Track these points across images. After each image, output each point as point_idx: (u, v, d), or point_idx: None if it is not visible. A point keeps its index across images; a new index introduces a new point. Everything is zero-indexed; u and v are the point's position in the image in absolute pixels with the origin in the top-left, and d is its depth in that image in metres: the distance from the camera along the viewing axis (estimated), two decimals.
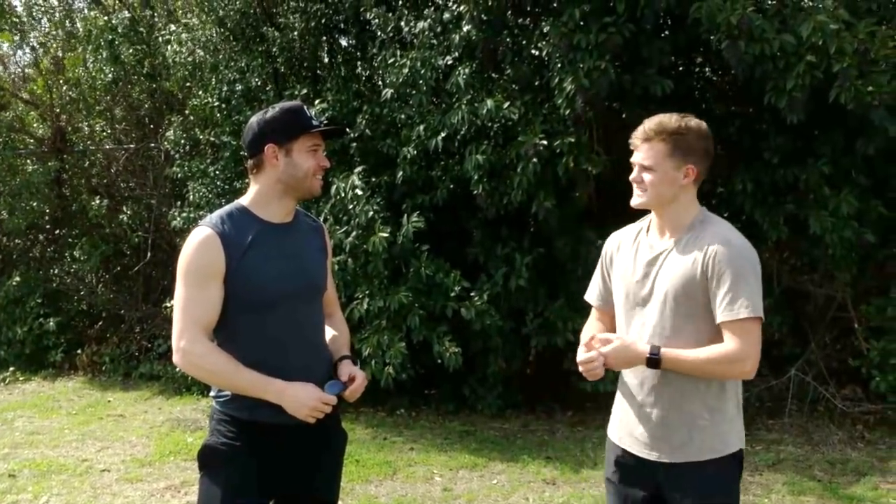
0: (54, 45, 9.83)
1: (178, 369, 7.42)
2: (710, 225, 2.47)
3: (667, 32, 6.22)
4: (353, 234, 6.08)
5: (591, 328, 2.78)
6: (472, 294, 6.11)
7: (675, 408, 2.47)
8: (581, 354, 2.52)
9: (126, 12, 8.77)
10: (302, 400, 2.41)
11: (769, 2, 5.36)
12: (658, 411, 2.49)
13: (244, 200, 2.57)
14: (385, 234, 5.91)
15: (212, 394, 2.59)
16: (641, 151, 2.48)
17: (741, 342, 2.35)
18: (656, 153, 2.44)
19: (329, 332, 2.73)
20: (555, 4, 5.99)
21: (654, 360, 2.41)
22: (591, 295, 2.81)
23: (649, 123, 2.48)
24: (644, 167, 2.47)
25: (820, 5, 5.22)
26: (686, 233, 2.48)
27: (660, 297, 2.46)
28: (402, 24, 6.60)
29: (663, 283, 2.46)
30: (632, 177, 2.52)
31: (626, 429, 2.60)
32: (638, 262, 2.56)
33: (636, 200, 2.53)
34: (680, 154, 2.44)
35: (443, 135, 6.09)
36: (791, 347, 6.49)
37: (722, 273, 2.36)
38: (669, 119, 2.46)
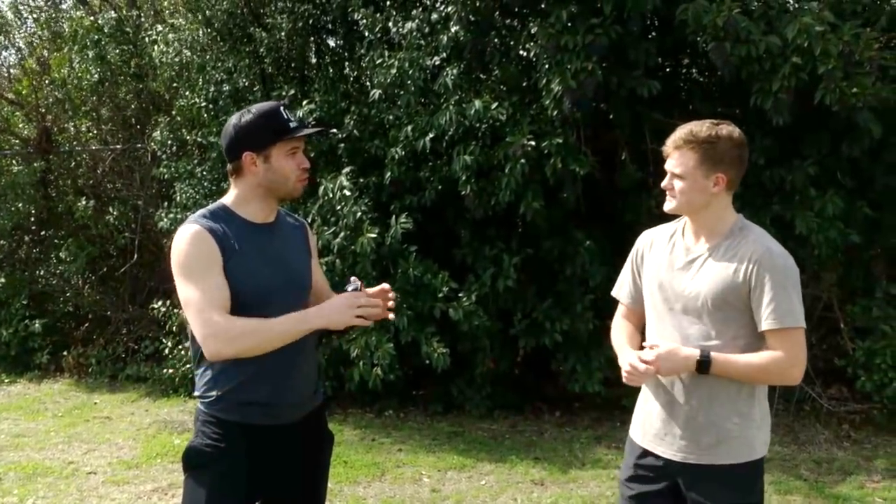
0: (40, 46, 9.77)
1: (165, 372, 7.46)
2: (749, 233, 2.49)
3: (653, 34, 6.25)
4: (341, 234, 6.06)
5: (620, 327, 2.79)
6: (460, 295, 6.11)
7: (705, 410, 2.48)
8: (631, 360, 2.49)
9: (112, 12, 8.72)
10: (340, 308, 2.35)
11: (755, 3, 5.38)
12: (686, 412, 2.50)
13: (226, 200, 2.55)
14: (373, 235, 5.90)
15: (196, 394, 2.58)
16: (673, 159, 2.49)
17: (789, 349, 2.40)
18: (686, 161, 2.45)
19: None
20: (542, 6, 6.00)
21: (704, 364, 2.41)
22: (621, 292, 2.81)
23: (680, 132, 2.48)
24: (675, 175, 2.48)
25: (805, 7, 5.24)
26: (724, 239, 2.49)
27: (697, 302, 2.47)
28: (390, 24, 6.59)
29: (700, 288, 2.47)
30: (663, 184, 2.54)
31: (650, 429, 2.61)
32: (672, 265, 2.57)
33: (668, 206, 2.55)
34: (710, 162, 2.44)
35: (431, 135, 6.08)
36: None
37: (765, 283, 2.38)
38: (700, 127, 2.46)
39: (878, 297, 5.92)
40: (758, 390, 2.52)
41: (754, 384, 2.49)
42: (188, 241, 2.40)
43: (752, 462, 2.49)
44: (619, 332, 2.78)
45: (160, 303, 7.66)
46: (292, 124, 2.51)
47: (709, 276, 2.46)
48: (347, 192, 6.06)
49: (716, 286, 2.44)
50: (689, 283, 2.50)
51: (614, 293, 2.85)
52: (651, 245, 2.69)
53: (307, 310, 2.38)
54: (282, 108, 2.53)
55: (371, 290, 2.55)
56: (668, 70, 6.64)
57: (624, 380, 2.52)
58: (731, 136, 2.46)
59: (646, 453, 2.62)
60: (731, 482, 2.48)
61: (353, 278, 2.51)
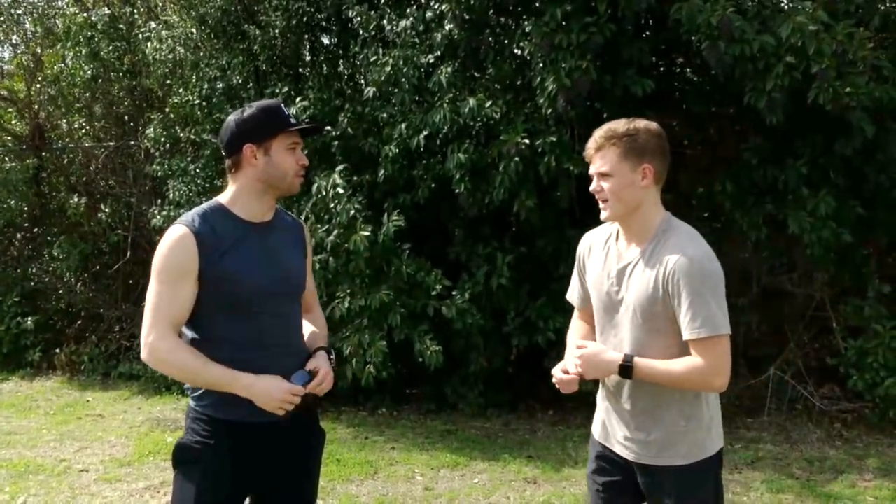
0: (34, 42, 9.73)
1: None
2: (672, 235, 2.44)
3: (648, 33, 6.25)
4: (335, 232, 6.06)
5: (576, 328, 2.80)
6: (453, 293, 6.11)
7: (650, 413, 2.48)
8: (555, 372, 2.57)
9: (106, 9, 8.70)
10: (270, 392, 2.40)
11: (749, 3, 5.39)
12: (634, 415, 2.51)
13: (222, 199, 2.55)
14: (366, 233, 5.90)
15: (186, 388, 2.58)
16: (597, 160, 2.47)
17: (710, 358, 2.34)
18: (611, 158, 2.43)
19: (307, 328, 2.72)
20: (537, 4, 6.00)
21: (626, 369, 2.41)
22: (572, 295, 2.81)
23: (599, 132, 2.48)
24: (602, 174, 2.46)
25: (799, 7, 5.25)
26: (650, 244, 2.45)
27: (629, 311, 2.46)
28: (385, 22, 6.59)
29: (631, 297, 2.45)
30: (592, 188, 2.51)
31: (607, 428, 2.63)
32: (607, 271, 2.55)
33: (604, 214, 2.51)
34: (634, 155, 2.42)
35: (425, 133, 6.09)
36: (770, 347, 6.53)
37: (681, 290, 2.34)
38: (617, 124, 2.46)
39: (871, 296, 5.92)
40: (702, 394, 2.48)
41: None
42: (170, 244, 2.43)
43: (703, 460, 2.47)
44: (573, 332, 2.79)
45: None
46: (292, 120, 2.54)
47: (636, 287, 2.44)
48: (341, 190, 6.06)
49: (641, 296, 2.42)
50: (622, 291, 2.49)
51: (567, 297, 2.84)
52: (590, 250, 2.67)
53: (243, 376, 2.39)
54: (282, 105, 2.57)
55: (315, 380, 2.52)
56: (662, 69, 6.65)
57: (559, 388, 2.58)
58: (649, 128, 2.46)
59: (604, 448, 2.64)
60: (684, 481, 2.47)
61: (304, 371, 2.51)
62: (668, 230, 2.46)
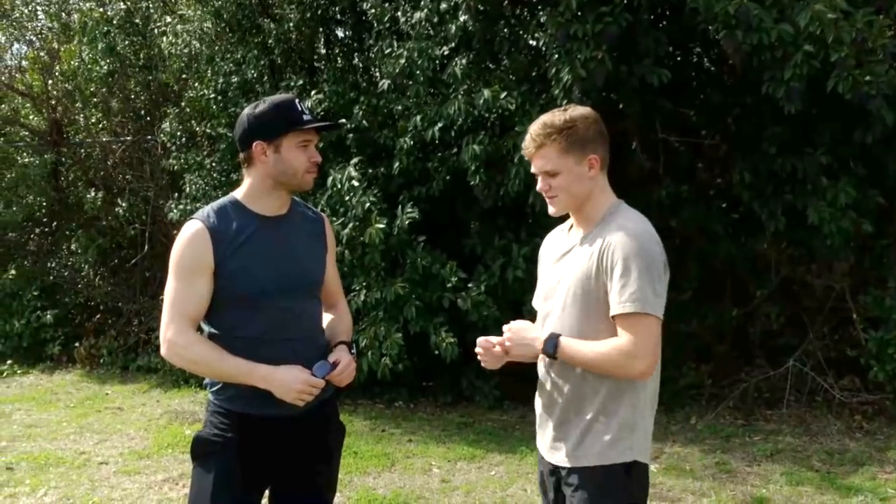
0: (50, 37, 9.79)
1: None
2: (616, 217, 2.37)
3: (664, 22, 6.20)
4: (350, 225, 6.06)
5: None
6: (468, 285, 6.10)
7: (572, 412, 2.39)
8: (481, 340, 2.52)
9: (122, 3, 8.73)
10: (289, 383, 2.39)
11: None
12: (557, 414, 2.43)
13: (237, 194, 2.56)
14: (381, 226, 5.90)
15: (205, 381, 2.59)
16: (540, 159, 2.38)
17: (632, 337, 2.22)
18: (554, 156, 2.35)
19: (328, 322, 2.71)
20: None
21: (550, 346, 2.33)
22: (535, 301, 2.68)
23: (536, 128, 2.39)
24: (548, 174, 2.38)
25: None
26: (595, 226, 2.38)
27: (563, 291, 2.39)
28: (399, 14, 6.58)
29: (567, 279, 2.38)
30: (539, 187, 2.43)
31: (539, 432, 2.56)
32: (553, 258, 2.51)
33: (551, 209, 2.44)
34: (577, 148, 2.34)
35: (439, 125, 6.07)
36: (789, 338, 6.49)
37: (615, 263, 2.24)
38: (553, 117, 2.38)
39: (891, 286, 5.86)
40: (627, 389, 2.34)
41: (607, 378, 2.33)
42: (185, 240, 2.45)
43: (617, 466, 2.33)
44: None
45: None
46: (305, 117, 2.51)
47: (573, 267, 2.37)
48: (356, 183, 6.06)
49: (576, 276, 2.34)
50: (560, 274, 2.43)
51: (532, 303, 2.69)
52: (548, 247, 2.61)
53: (260, 367, 2.39)
54: (297, 100, 2.54)
55: (336, 370, 2.51)
56: (678, 59, 6.59)
57: (482, 362, 2.52)
58: (586, 115, 2.38)
59: (541, 456, 2.56)
60: (593, 485, 2.34)
61: (326, 362, 2.50)
62: (615, 213, 2.40)
